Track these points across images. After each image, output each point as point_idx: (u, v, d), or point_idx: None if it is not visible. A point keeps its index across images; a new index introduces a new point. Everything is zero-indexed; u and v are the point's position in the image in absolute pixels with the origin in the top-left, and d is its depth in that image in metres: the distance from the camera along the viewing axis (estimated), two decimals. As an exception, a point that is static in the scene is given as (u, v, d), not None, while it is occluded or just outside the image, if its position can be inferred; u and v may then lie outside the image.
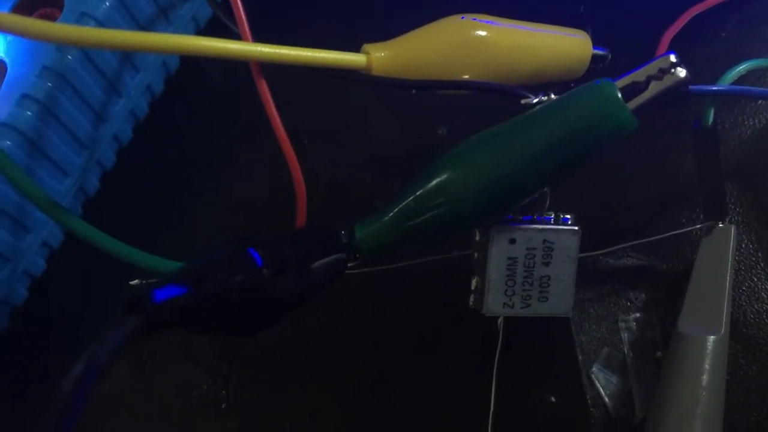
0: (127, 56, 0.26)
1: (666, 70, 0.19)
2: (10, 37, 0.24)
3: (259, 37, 0.21)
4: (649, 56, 0.23)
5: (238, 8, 0.21)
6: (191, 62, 0.27)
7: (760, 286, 0.23)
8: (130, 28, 0.25)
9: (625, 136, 0.19)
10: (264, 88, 0.20)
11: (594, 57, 0.24)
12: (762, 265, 0.23)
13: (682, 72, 0.19)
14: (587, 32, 0.25)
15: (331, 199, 0.25)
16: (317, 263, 0.18)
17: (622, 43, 0.25)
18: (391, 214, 0.20)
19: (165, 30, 0.27)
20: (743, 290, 0.23)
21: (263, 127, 0.20)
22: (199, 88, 0.26)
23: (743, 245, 0.23)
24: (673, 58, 0.19)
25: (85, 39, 0.18)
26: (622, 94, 0.19)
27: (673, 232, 0.22)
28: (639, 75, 0.19)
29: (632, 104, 0.19)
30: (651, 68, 0.19)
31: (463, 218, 0.20)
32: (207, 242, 0.25)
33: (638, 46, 0.24)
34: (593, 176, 0.24)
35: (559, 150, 0.19)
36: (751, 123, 0.25)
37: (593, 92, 0.19)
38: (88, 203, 0.26)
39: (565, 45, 0.24)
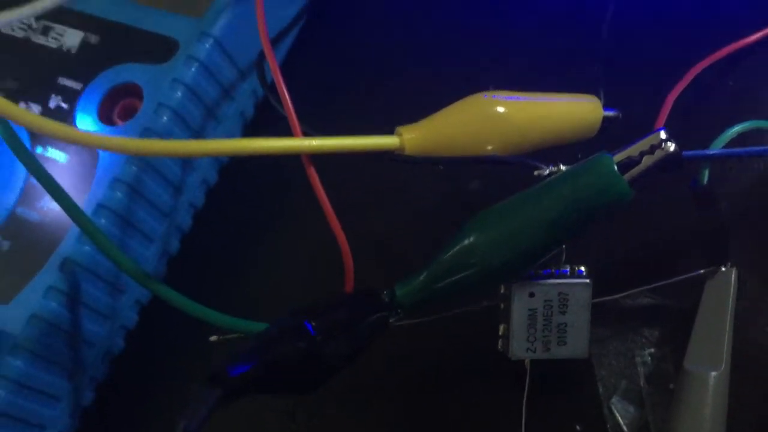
0: (199, 136, 0.30)
1: (657, 146, 0.22)
2: (100, 128, 0.28)
3: (300, 116, 0.24)
4: (657, 110, 0.26)
5: (286, 101, 0.24)
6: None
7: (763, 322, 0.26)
8: (199, 111, 0.29)
9: (624, 203, 0.22)
10: (313, 173, 0.23)
11: (605, 118, 0.27)
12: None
13: (671, 147, 0.22)
14: (600, 92, 0.28)
15: (376, 257, 0.29)
16: (363, 324, 0.22)
17: (634, 99, 0.28)
18: (426, 275, 0.23)
19: (230, 106, 0.31)
20: (749, 326, 0.26)
21: (313, 203, 0.24)
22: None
23: (747, 284, 0.26)
24: (662, 134, 0.22)
25: (154, 150, 0.22)
26: (618, 167, 0.22)
27: (681, 277, 0.25)
28: (633, 150, 0.22)
29: (628, 176, 0.22)
30: (643, 144, 0.22)
31: (488, 279, 0.23)
32: (268, 301, 0.29)
33: (649, 102, 0.27)
34: (609, 227, 0.27)
35: (568, 217, 0.22)
36: (756, 165, 0.27)
37: (593, 166, 0.22)
38: (171, 261, 0.31)
39: (578, 111, 0.26)
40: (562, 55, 0.31)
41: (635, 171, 0.22)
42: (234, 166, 0.32)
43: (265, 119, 0.32)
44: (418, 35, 0.33)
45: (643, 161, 0.22)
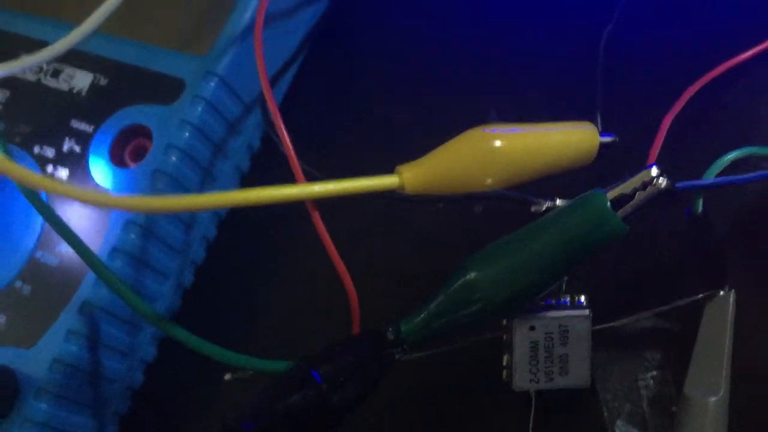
0: (209, 173, 0.31)
1: (649, 182, 0.22)
2: (112, 170, 0.29)
3: (302, 150, 0.25)
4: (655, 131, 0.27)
5: (288, 148, 0.25)
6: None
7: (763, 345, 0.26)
8: (208, 149, 0.30)
9: (618, 238, 0.22)
10: (317, 217, 0.24)
11: (602, 144, 0.27)
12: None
13: (663, 182, 0.22)
14: (597, 116, 0.28)
15: (383, 288, 0.29)
16: (370, 366, 0.23)
17: (631, 121, 0.28)
18: (429, 311, 0.24)
19: (237, 140, 0.32)
20: (749, 349, 0.26)
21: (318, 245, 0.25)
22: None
23: (745, 305, 0.26)
24: (654, 170, 0.22)
25: (162, 206, 0.23)
26: (611, 203, 0.22)
27: (680, 302, 0.26)
28: (626, 187, 0.23)
29: (621, 212, 0.22)
30: (635, 181, 0.22)
31: (491, 315, 0.24)
32: (280, 332, 0.30)
33: (647, 123, 0.28)
34: (608, 253, 0.28)
35: (566, 253, 0.23)
36: (751, 187, 0.28)
37: (587, 204, 0.23)
38: (185, 294, 0.32)
39: (575, 139, 0.27)
40: (558, 80, 0.32)
41: (628, 207, 0.22)
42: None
43: (272, 149, 0.32)
44: (417, 62, 0.34)
45: (636, 197, 0.22)
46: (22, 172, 0.22)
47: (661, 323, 0.27)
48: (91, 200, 0.22)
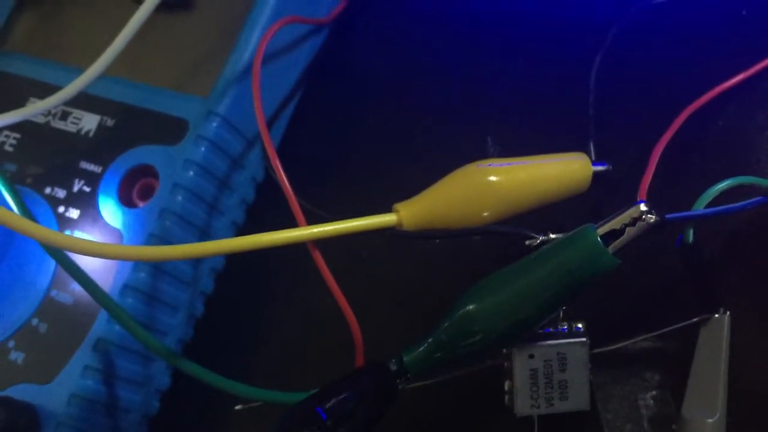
0: (215, 207, 0.32)
1: (638, 218, 0.23)
2: (122, 210, 0.30)
3: (300, 186, 0.26)
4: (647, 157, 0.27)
5: (288, 190, 0.26)
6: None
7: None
8: (213, 186, 0.31)
9: (609, 272, 0.23)
10: (318, 257, 0.25)
11: (595, 173, 0.28)
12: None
13: (651, 218, 0.23)
14: (590, 146, 0.29)
15: (385, 313, 0.30)
16: (374, 399, 0.24)
17: (624, 147, 0.29)
18: (430, 343, 0.25)
19: (241, 174, 0.33)
20: (745, 369, 0.27)
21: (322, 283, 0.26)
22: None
23: (741, 326, 0.27)
24: (643, 206, 0.23)
25: (168, 255, 0.24)
26: (602, 238, 0.23)
27: (676, 326, 0.26)
28: (616, 223, 0.23)
29: (612, 247, 0.23)
30: (625, 217, 0.23)
31: (490, 345, 0.24)
32: (286, 368, 0.31)
33: (639, 149, 0.28)
34: (605, 279, 0.28)
35: (560, 286, 0.23)
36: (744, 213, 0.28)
37: (578, 240, 0.23)
38: (197, 323, 0.33)
39: (568, 170, 0.27)
40: (552, 108, 0.32)
41: (618, 242, 0.23)
42: (250, 229, 0.33)
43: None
44: (414, 96, 0.35)
45: (626, 232, 0.23)
46: (41, 231, 0.23)
47: (659, 344, 0.28)
48: (107, 254, 0.23)
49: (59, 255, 0.27)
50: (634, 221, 0.23)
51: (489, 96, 0.33)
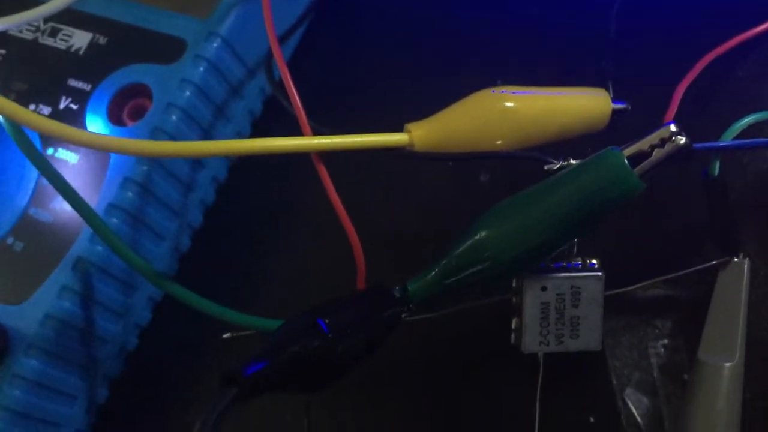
0: (209, 135, 0.30)
1: (667, 139, 0.22)
2: (110, 129, 0.29)
3: (308, 113, 0.24)
4: (668, 101, 0.26)
5: (295, 99, 0.24)
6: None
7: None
8: (209, 110, 0.29)
9: (635, 196, 0.22)
10: (323, 171, 0.24)
11: (614, 111, 0.27)
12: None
13: (681, 140, 0.22)
14: (609, 86, 0.28)
15: (388, 251, 0.29)
16: (376, 321, 0.22)
17: (643, 91, 0.28)
18: (438, 270, 0.23)
19: (238, 104, 0.31)
20: (763, 316, 0.26)
21: (324, 200, 0.24)
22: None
23: (759, 273, 0.26)
24: (673, 127, 0.22)
25: (166, 151, 0.22)
26: (628, 161, 0.22)
27: (693, 269, 0.25)
28: (643, 144, 0.22)
29: (638, 170, 0.22)
30: (653, 138, 0.22)
31: (500, 274, 0.23)
32: (280, 297, 0.29)
33: (659, 94, 0.27)
34: (620, 218, 0.27)
35: (580, 211, 0.22)
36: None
37: (603, 161, 0.22)
38: (182, 258, 0.31)
39: (586, 104, 0.26)
40: (570, 49, 0.31)
41: (646, 164, 0.22)
42: (244, 163, 0.32)
43: (274, 116, 0.32)
44: (425, 31, 0.33)
45: (653, 154, 0.22)
46: (21, 112, 0.21)
47: (672, 291, 0.26)
48: (92, 143, 0.22)
49: (44, 165, 0.25)
50: (662, 142, 0.22)
51: (504, 36, 0.32)
